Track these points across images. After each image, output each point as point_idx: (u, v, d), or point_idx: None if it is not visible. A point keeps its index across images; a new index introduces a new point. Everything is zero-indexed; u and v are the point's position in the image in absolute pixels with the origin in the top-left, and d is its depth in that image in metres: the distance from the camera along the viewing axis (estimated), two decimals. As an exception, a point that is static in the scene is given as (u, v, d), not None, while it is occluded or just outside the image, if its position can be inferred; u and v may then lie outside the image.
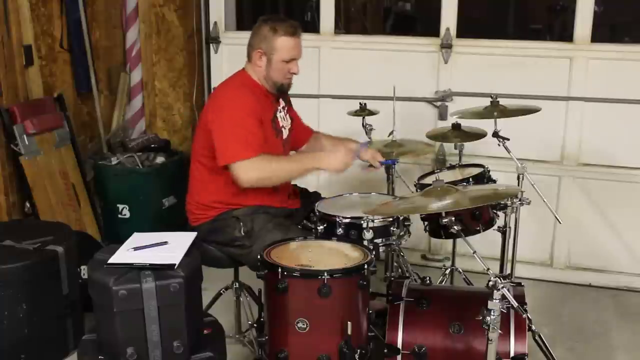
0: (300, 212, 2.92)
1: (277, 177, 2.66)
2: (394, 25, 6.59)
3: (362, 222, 2.56)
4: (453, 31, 3.81)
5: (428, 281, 2.57)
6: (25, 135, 3.45)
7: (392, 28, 6.54)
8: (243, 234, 2.68)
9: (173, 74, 4.53)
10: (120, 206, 3.97)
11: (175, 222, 3.74)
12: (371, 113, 3.35)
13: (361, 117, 3.33)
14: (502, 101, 2.99)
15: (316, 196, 3.04)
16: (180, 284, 2.17)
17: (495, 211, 2.94)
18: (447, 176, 3.00)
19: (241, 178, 2.57)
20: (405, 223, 2.71)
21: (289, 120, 2.96)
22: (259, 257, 2.31)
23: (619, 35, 5.05)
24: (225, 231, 2.72)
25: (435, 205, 2.16)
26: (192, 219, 2.83)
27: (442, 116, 3.88)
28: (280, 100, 2.91)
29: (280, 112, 2.89)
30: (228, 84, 2.81)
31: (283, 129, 2.89)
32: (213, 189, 2.73)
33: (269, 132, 2.76)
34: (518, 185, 2.90)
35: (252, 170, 2.57)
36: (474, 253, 2.16)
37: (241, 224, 2.69)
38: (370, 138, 3.28)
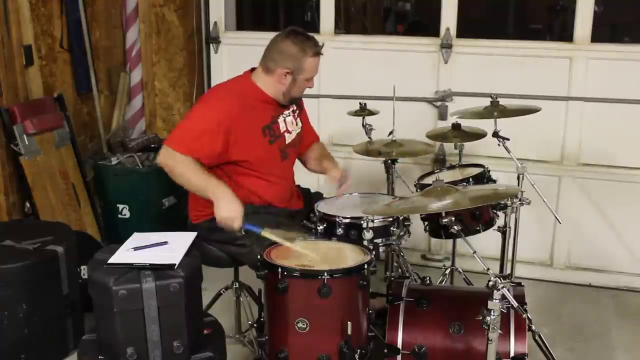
0: (303, 212, 2.92)
1: (175, 177, 2.66)
2: (395, 27, 6.60)
3: (362, 222, 2.56)
4: (453, 31, 3.81)
5: (428, 281, 2.57)
6: (25, 135, 3.45)
7: (393, 29, 6.55)
8: (243, 232, 2.68)
9: (173, 74, 4.53)
10: (120, 206, 3.96)
11: (175, 222, 3.74)
12: (371, 113, 3.35)
13: (361, 117, 3.33)
14: (502, 101, 2.99)
15: (318, 197, 3.04)
16: (180, 284, 2.17)
17: (495, 211, 2.94)
18: (447, 176, 3.00)
19: (159, 159, 2.64)
20: (405, 223, 2.71)
21: (300, 124, 2.94)
22: (259, 257, 2.31)
23: (619, 35, 5.05)
24: (225, 230, 2.71)
25: (435, 205, 2.16)
26: (192, 216, 2.83)
27: (442, 116, 3.88)
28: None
29: (288, 116, 2.86)
30: (222, 86, 2.83)
31: (287, 133, 2.85)
32: None
33: (257, 140, 2.73)
34: (518, 185, 2.90)
35: (171, 161, 2.61)
36: (474, 253, 2.16)
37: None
38: (370, 138, 3.28)
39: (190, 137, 2.62)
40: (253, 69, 2.81)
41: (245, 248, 2.68)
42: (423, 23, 6.52)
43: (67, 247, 2.97)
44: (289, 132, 2.86)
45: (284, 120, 2.85)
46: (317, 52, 2.71)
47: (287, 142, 2.86)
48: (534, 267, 3.93)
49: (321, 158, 3.07)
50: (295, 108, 2.92)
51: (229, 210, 2.53)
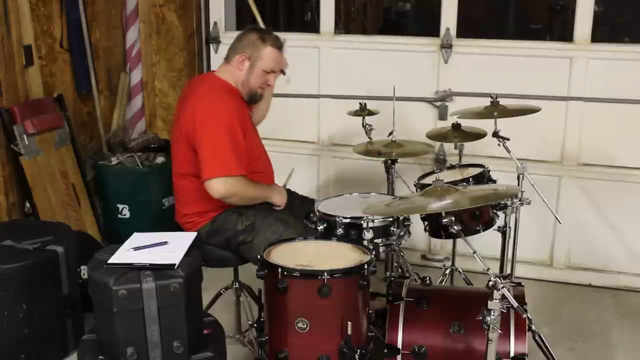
0: (288, 204, 2.94)
1: (243, 199, 2.70)
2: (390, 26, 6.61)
3: (362, 222, 2.56)
4: (453, 31, 3.80)
5: (428, 281, 2.57)
6: (25, 135, 3.45)
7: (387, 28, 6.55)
8: (244, 227, 2.69)
9: (173, 74, 4.53)
10: (120, 206, 3.96)
11: (175, 222, 3.74)
12: (371, 113, 3.35)
13: (361, 117, 3.33)
14: (502, 101, 2.99)
15: (296, 196, 3.07)
16: (180, 284, 2.17)
17: (495, 211, 2.94)
18: (447, 176, 3.00)
19: (218, 191, 2.60)
20: (405, 223, 2.71)
21: None
22: (259, 257, 2.31)
23: (619, 35, 5.05)
24: (226, 228, 2.73)
25: (435, 205, 2.15)
26: (189, 227, 2.82)
27: (442, 116, 3.88)
28: None
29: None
30: (207, 94, 2.75)
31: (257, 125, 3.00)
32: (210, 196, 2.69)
33: (254, 133, 2.83)
34: (518, 185, 2.90)
35: (230, 188, 2.61)
36: (474, 253, 2.16)
37: (243, 217, 2.71)
38: (370, 138, 3.28)
39: (236, 155, 2.63)
40: (213, 71, 2.90)
41: (247, 244, 2.69)
42: (398, 22, 6.55)
43: (67, 247, 2.97)
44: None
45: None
46: (278, 44, 2.78)
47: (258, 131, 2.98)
48: (534, 267, 3.93)
49: None
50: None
51: (282, 197, 2.81)
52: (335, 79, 4.07)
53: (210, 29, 4.29)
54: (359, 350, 2.22)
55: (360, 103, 3.38)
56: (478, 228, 2.85)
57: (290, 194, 3.02)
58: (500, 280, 2.01)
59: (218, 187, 2.59)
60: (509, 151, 2.87)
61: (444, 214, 2.15)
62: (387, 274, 3.28)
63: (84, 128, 4.12)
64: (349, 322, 2.15)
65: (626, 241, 3.78)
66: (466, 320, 2.35)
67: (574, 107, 3.71)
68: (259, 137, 2.94)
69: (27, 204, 3.48)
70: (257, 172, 2.80)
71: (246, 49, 2.76)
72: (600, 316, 3.52)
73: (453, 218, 2.15)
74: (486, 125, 3.01)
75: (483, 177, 3.01)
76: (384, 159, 3.24)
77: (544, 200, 2.83)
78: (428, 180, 3.05)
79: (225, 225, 2.73)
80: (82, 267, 3.14)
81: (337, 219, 2.59)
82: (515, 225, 2.99)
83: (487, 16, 6.09)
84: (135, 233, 2.48)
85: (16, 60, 3.49)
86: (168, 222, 3.88)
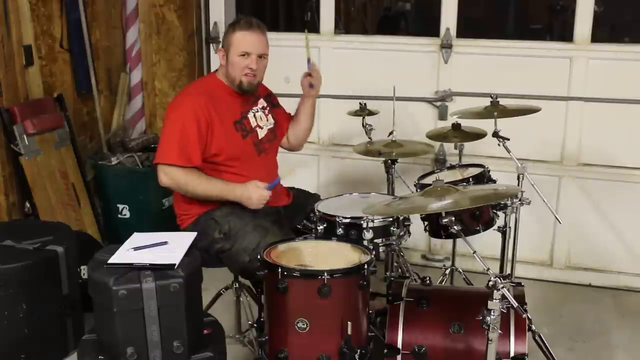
0: (290, 210, 2.92)
1: (192, 193, 2.71)
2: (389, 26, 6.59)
3: (362, 222, 2.56)
4: (453, 31, 3.81)
5: (428, 281, 2.57)
6: (25, 135, 3.45)
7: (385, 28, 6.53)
8: (222, 235, 2.68)
9: (173, 74, 4.53)
10: (120, 206, 3.96)
11: (175, 222, 3.74)
12: (371, 113, 3.35)
13: (361, 117, 3.33)
14: (502, 101, 2.99)
15: (316, 198, 3.03)
16: (180, 284, 2.17)
17: (495, 211, 2.94)
18: (447, 176, 3.00)
19: (160, 179, 2.67)
20: (405, 223, 2.71)
21: (272, 121, 2.96)
22: (258, 257, 2.31)
23: (619, 35, 5.05)
24: (206, 233, 2.70)
25: (435, 205, 2.15)
26: (178, 222, 2.84)
27: (442, 116, 3.88)
28: (261, 100, 2.93)
29: (257, 112, 2.91)
30: (189, 87, 2.89)
31: (258, 128, 2.88)
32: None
33: (231, 134, 2.77)
34: (518, 185, 2.90)
35: (170, 177, 2.65)
36: (474, 253, 2.16)
37: (219, 225, 2.69)
38: (370, 138, 3.28)
39: (180, 146, 2.64)
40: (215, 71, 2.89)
41: (225, 252, 2.68)
42: (394, 18, 6.53)
43: (67, 247, 2.96)
44: (260, 127, 2.90)
45: (254, 115, 2.89)
46: (245, 26, 2.75)
47: (259, 137, 2.89)
48: (534, 267, 3.93)
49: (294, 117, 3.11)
50: (265, 105, 2.95)
51: (255, 198, 2.67)
52: (335, 79, 4.06)
53: (210, 29, 4.29)
54: (359, 350, 2.22)
55: (360, 103, 3.38)
56: (478, 228, 2.86)
57: (300, 194, 3.01)
58: (500, 280, 2.01)
59: (160, 173, 2.67)
60: (509, 151, 2.87)
61: (444, 214, 2.15)
62: (387, 274, 3.28)
63: (84, 128, 4.12)
64: (349, 322, 2.15)
65: (626, 241, 3.78)
66: (466, 320, 2.35)
67: (574, 107, 3.71)
68: (247, 140, 2.82)
69: (27, 204, 3.48)
70: (235, 174, 2.76)
71: (223, 43, 2.81)
72: (600, 316, 3.52)
73: (453, 218, 2.15)
74: (486, 125, 3.01)
75: (483, 177, 3.01)
76: (384, 159, 3.24)
77: (544, 200, 2.83)
78: (428, 180, 3.05)
79: (205, 230, 2.70)
80: (82, 267, 3.14)
81: (337, 219, 2.59)
82: (515, 225, 2.99)
83: (487, 16, 6.09)
84: (135, 233, 2.48)
85: (16, 60, 3.49)
86: (168, 222, 3.87)
